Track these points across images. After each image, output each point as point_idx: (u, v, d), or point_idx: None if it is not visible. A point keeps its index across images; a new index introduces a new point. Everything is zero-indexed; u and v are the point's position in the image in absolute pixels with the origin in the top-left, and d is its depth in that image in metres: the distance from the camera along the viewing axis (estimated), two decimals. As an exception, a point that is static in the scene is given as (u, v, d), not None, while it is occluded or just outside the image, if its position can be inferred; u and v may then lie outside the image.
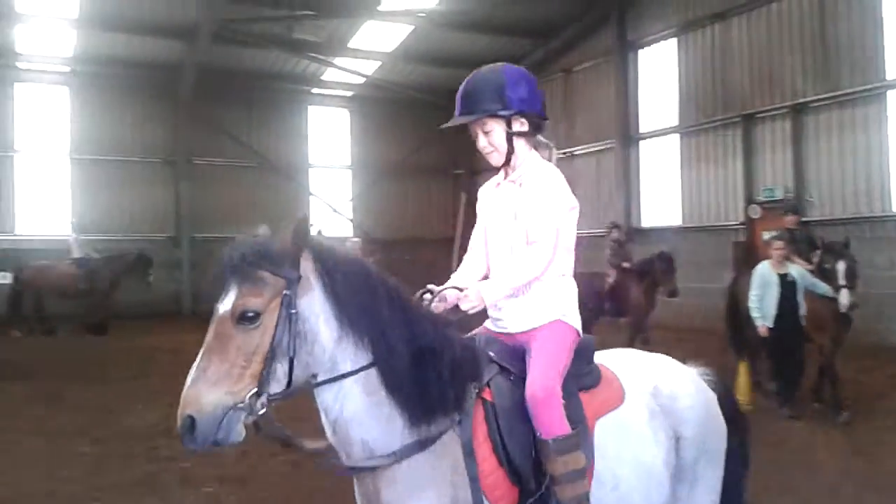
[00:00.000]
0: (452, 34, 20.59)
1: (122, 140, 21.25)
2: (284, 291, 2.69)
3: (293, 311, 2.69)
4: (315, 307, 2.77)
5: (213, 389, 2.57)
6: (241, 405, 2.58)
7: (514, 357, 3.13)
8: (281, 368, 2.68)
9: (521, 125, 3.24)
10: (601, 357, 3.42)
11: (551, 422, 2.91)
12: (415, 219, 24.89)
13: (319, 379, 2.80)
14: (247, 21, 18.82)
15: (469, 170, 24.49)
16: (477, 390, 2.98)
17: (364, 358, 2.83)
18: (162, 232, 21.55)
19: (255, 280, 2.67)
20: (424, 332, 2.94)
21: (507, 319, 3.25)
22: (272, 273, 2.69)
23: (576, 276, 3.36)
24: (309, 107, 24.08)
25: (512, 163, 3.27)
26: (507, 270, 3.12)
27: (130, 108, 21.34)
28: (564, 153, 21.44)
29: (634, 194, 19.72)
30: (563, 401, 2.97)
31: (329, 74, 23.05)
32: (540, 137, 3.38)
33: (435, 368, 2.89)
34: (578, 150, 21.13)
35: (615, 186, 19.92)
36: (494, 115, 3.19)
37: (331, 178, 24.60)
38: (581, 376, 3.19)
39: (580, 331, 3.24)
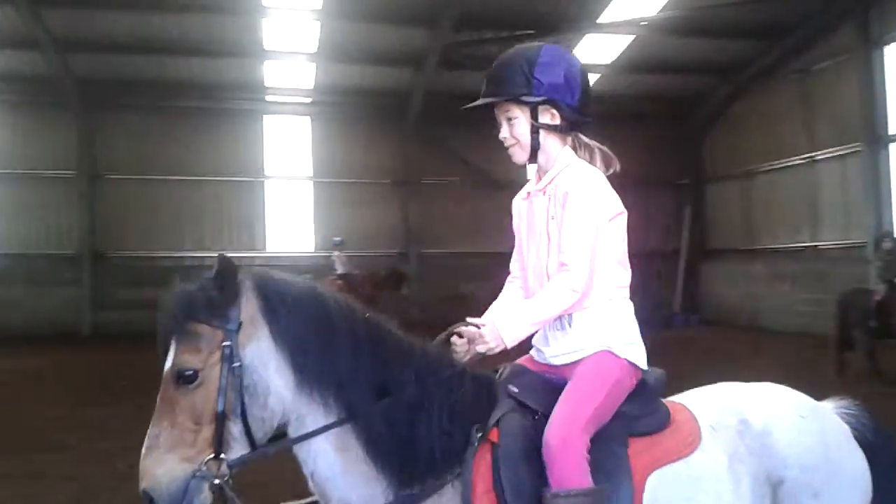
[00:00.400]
0: (676, 40, 19.92)
1: (357, 163, 22.67)
2: (223, 343, 2.39)
3: (236, 363, 2.39)
4: (263, 356, 2.44)
5: (168, 458, 2.36)
6: (199, 473, 2.35)
7: (547, 392, 2.64)
8: (236, 428, 2.40)
9: (551, 117, 2.73)
10: (687, 395, 2.93)
11: (564, 473, 2.41)
12: (637, 232, 24.12)
13: (290, 434, 2.50)
14: (470, 45, 19.41)
15: (695, 180, 23.56)
16: (480, 434, 2.51)
17: (332, 411, 2.48)
18: (392, 248, 22.69)
19: (191, 335, 2.40)
20: (409, 374, 2.54)
21: (549, 350, 2.77)
22: (207, 324, 2.40)
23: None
24: (529, 123, 24.36)
25: (541, 163, 2.80)
26: (531, 302, 2.66)
27: (364, 134, 22.69)
28: (804, 158, 20.00)
29: (886, 201, 17.92)
30: (586, 452, 2.46)
31: (548, 90, 23.17)
32: (582, 137, 2.86)
33: (423, 416, 2.50)
34: (820, 154, 19.58)
35: (864, 193, 18.23)
36: (517, 101, 2.71)
37: (550, 192, 24.70)
38: (637, 418, 2.67)
39: (639, 363, 2.70)
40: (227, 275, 2.43)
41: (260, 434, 2.44)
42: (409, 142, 22.70)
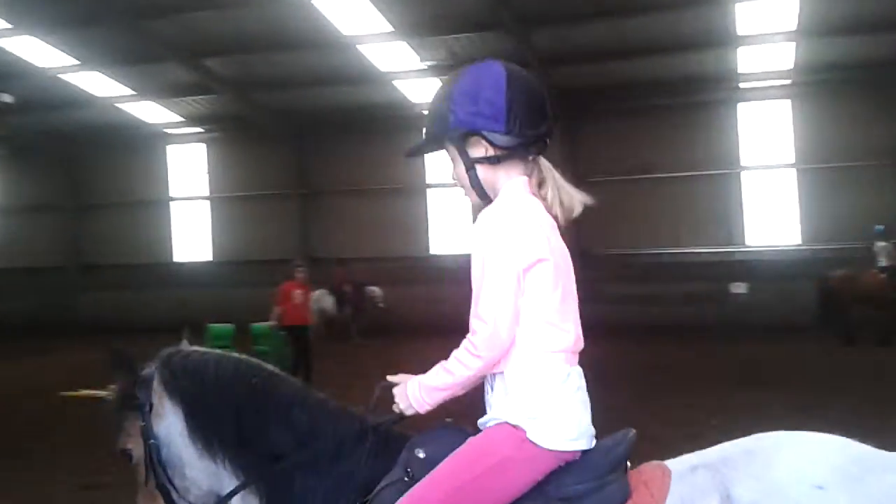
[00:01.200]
0: None
1: (849, 145, 20.31)
2: (140, 423, 2.66)
3: (151, 440, 2.64)
4: (171, 431, 2.65)
5: None
6: None
7: None
8: (178, 497, 2.64)
9: (484, 150, 2.41)
10: (697, 455, 2.36)
11: None
12: None
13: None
14: None
15: None
16: None
17: (232, 476, 2.59)
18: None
19: (123, 420, 2.73)
20: (292, 438, 2.53)
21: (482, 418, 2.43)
22: (129, 409, 2.69)
23: None
24: None
25: (494, 200, 2.46)
26: (439, 366, 2.37)
27: (857, 111, 20.28)
28: None
29: None
30: None
31: None
32: (542, 162, 2.49)
33: (310, 481, 2.49)
34: None
35: None
36: (442, 141, 2.49)
37: None
38: (568, 500, 2.27)
39: (548, 443, 2.25)
40: (119, 365, 2.69)
41: (192, 500, 2.64)
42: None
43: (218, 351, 2.82)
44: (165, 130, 26.11)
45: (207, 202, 26.58)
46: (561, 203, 2.46)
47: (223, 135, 25.67)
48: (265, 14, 18.14)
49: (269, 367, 2.79)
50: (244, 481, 2.57)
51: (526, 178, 2.47)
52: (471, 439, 2.36)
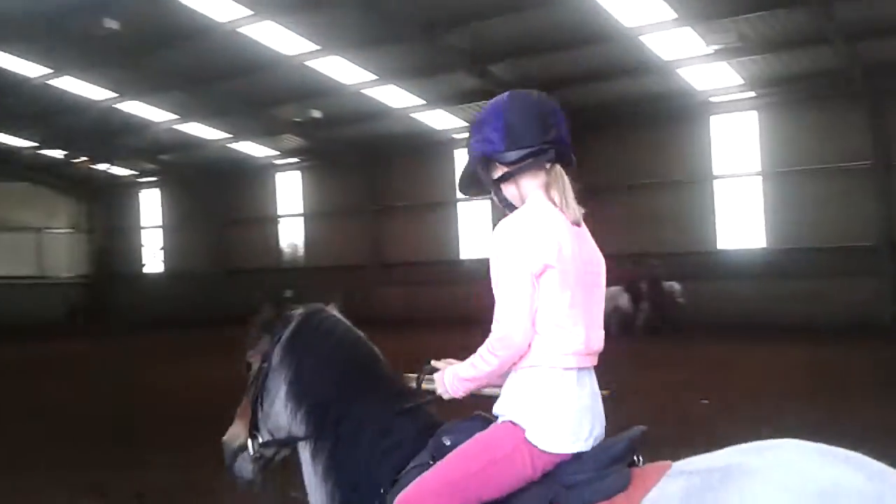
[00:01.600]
0: None
1: None
2: (266, 349, 3.14)
3: (265, 364, 3.11)
4: (281, 366, 3.08)
5: (237, 423, 3.20)
6: (246, 445, 3.10)
7: None
8: (260, 420, 3.10)
9: (500, 170, 2.70)
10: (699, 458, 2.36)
11: None
12: None
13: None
14: None
15: None
16: (394, 481, 2.66)
17: (307, 426, 2.97)
18: None
19: (259, 338, 3.21)
20: (370, 411, 2.88)
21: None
22: (266, 331, 3.19)
23: None
24: None
25: None
26: (470, 358, 2.61)
27: None
28: None
29: None
30: None
31: None
32: (558, 171, 2.69)
33: (355, 450, 2.82)
34: None
35: None
36: (473, 171, 2.79)
37: None
38: (572, 487, 2.40)
39: (545, 445, 2.44)
40: (276, 304, 3.27)
41: (278, 429, 3.09)
42: None
43: (350, 326, 3.21)
44: (452, 136, 27.52)
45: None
46: (567, 205, 2.63)
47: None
48: (548, 15, 18.42)
49: (376, 350, 3.15)
50: (310, 433, 2.98)
51: (539, 190, 2.68)
52: (477, 434, 2.55)
